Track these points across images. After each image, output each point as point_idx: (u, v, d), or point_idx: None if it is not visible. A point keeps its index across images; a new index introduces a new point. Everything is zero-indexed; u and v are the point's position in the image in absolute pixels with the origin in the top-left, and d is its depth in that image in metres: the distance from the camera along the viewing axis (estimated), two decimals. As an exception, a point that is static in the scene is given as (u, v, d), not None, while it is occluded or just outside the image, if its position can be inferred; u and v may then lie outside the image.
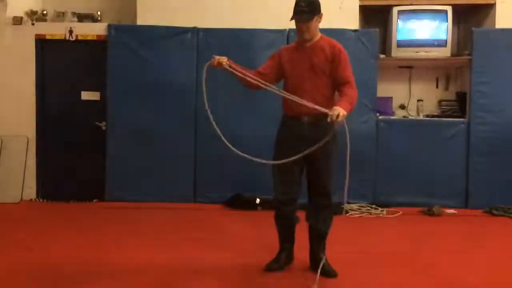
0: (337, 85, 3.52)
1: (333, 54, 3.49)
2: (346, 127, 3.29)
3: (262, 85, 3.48)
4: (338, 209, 5.33)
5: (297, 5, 3.46)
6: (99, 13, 6.21)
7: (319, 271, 3.39)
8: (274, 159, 3.56)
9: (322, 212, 3.56)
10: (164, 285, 3.37)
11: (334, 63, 3.49)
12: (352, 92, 3.45)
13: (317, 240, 3.60)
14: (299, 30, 3.51)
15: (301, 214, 3.66)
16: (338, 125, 3.28)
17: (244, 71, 3.50)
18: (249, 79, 3.47)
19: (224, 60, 3.45)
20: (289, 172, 3.52)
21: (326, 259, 3.55)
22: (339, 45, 3.56)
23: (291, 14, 3.48)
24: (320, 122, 3.41)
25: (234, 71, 3.47)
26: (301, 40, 3.57)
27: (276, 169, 3.55)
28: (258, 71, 3.64)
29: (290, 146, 3.46)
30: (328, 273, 3.49)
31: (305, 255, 3.68)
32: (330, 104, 3.45)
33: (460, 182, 5.82)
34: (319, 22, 3.54)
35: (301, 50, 3.57)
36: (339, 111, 3.22)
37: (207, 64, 3.47)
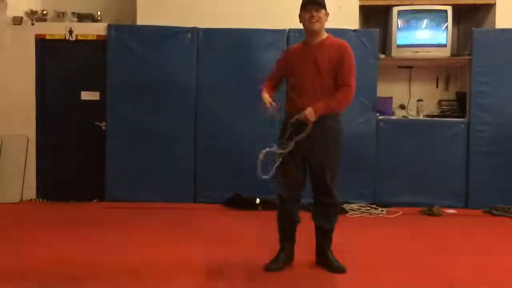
0: (336, 85, 3.51)
1: (339, 55, 3.49)
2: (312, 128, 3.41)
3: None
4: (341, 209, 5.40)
5: None
6: (99, 13, 6.21)
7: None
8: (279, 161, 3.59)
9: (326, 210, 3.60)
10: (164, 285, 3.37)
11: (339, 64, 3.48)
12: (342, 95, 3.48)
13: (323, 237, 3.66)
14: (310, 18, 3.46)
15: (302, 215, 3.68)
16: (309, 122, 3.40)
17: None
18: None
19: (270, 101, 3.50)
20: (292, 172, 3.54)
21: (333, 255, 3.61)
22: (346, 45, 3.55)
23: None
24: (324, 122, 3.46)
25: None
26: (309, 34, 3.54)
27: (280, 170, 3.54)
28: (269, 79, 3.73)
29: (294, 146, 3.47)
30: (337, 269, 3.55)
31: (306, 257, 3.69)
32: None
33: (460, 182, 5.82)
34: (326, 20, 3.54)
35: (306, 49, 3.56)
36: (308, 112, 3.36)
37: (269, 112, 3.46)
